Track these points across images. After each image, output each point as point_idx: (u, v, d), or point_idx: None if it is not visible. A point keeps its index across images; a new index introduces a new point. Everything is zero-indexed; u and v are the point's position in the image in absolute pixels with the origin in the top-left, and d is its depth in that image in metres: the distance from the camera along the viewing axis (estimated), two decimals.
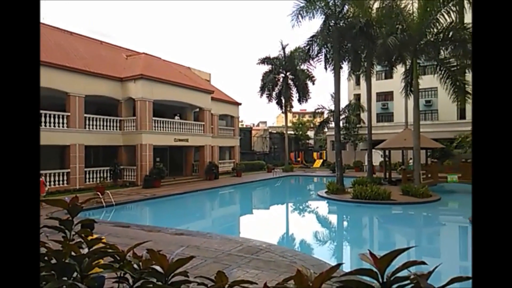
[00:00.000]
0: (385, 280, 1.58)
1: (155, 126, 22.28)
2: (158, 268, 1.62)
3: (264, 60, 36.25)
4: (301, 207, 19.11)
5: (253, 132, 43.76)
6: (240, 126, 38.13)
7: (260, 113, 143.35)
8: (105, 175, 20.61)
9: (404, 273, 1.62)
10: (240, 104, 34.09)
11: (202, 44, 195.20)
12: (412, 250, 8.20)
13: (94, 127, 20.41)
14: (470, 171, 12.85)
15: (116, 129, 21.74)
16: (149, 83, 21.84)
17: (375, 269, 1.60)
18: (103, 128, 20.93)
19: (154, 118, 22.11)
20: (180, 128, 24.23)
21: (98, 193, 15.37)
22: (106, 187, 17.80)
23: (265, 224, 14.49)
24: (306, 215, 17.17)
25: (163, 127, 22.88)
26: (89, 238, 1.88)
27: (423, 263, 1.67)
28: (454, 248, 10.85)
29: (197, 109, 26.86)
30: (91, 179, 19.74)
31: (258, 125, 64.72)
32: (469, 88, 19.55)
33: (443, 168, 22.49)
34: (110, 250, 1.79)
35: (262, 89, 36.68)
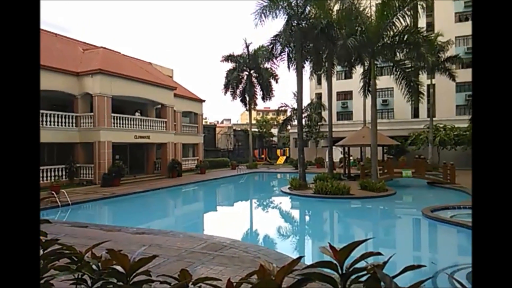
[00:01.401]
0: (344, 271, 1.65)
1: (114, 123, 21.46)
2: (119, 268, 1.58)
3: (228, 58, 36.10)
4: (264, 203, 19.31)
5: (217, 129, 43.49)
6: (204, 123, 37.74)
7: (224, 110, 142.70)
8: (60, 173, 19.56)
9: (362, 264, 1.71)
10: (203, 101, 33.74)
11: (164, 40, 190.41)
12: (369, 242, 8.58)
13: (48, 123, 19.29)
14: (422, 166, 13.72)
15: (72, 126, 20.69)
16: (108, 78, 20.98)
17: (334, 261, 1.66)
18: (58, 125, 19.83)
19: (113, 115, 21.28)
20: (141, 125, 23.53)
21: (53, 192, 14.56)
22: (62, 186, 16.91)
23: (229, 220, 14.50)
24: (269, 210, 17.39)
25: (122, 124, 22.10)
26: (44, 239, 1.79)
27: (379, 253, 1.76)
28: (408, 239, 11.49)
29: (159, 106, 26.21)
30: (45, 178, 18.64)
31: (222, 122, 64.42)
32: (422, 89, 20.72)
33: (398, 164, 23.69)
34: (67, 252, 1.72)
35: (226, 87, 36.52)
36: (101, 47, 25.64)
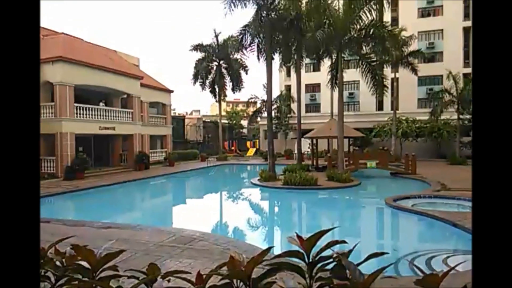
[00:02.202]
0: (311, 260, 1.70)
1: (77, 113, 20.55)
2: (84, 264, 1.54)
3: (197, 47, 35.45)
4: (234, 195, 19.36)
5: (186, 120, 42.81)
6: (172, 114, 37.01)
7: (193, 101, 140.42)
8: None
9: (328, 252, 1.77)
10: (172, 91, 33.02)
11: (130, 28, 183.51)
12: (335, 230, 8.86)
13: None
14: (386, 158, 14.25)
15: None
16: (70, 66, 19.99)
17: (302, 251, 1.71)
18: None
19: (75, 105, 20.36)
20: (105, 116, 22.69)
21: None
22: None
23: (198, 213, 14.42)
24: (239, 202, 17.47)
25: (86, 115, 21.22)
26: None
27: (345, 242, 1.83)
28: (372, 228, 11.99)
29: (125, 96, 25.37)
30: None
31: (191, 113, 63.42)
32: (386, 82, 21.45)
33: (363, 155, 24.49)
34: None
35: (195, 77, 35.94)
36: (62, 33, 24.33)
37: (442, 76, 32.58)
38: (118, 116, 23.77)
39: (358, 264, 1.64)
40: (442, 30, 35.54)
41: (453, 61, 33.80)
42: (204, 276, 1.60)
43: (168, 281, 1.68)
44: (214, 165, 30.10)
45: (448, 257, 7.36)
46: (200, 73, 35.58)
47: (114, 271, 1.62)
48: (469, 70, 34.41)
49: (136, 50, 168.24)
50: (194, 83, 36.28)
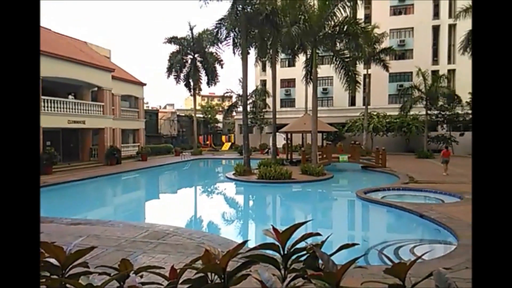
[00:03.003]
0: (286, 252, 1.73)
1: (44, 106, 19.68)
2: (53, 261, 1.49)
3: (171, 40, 34.72)
4: (209, 190, 19.26)
5: (160, 114, 41.99)
6: (145, 108, 36.21)
7: (167, 95, 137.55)
8: None
9: (303, 244, 1.80)
10: (145, 84, 32.25)
11: (101, 19, 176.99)
12: (310, 223, 9.03)
13: None
14: (357, 152, 14.64)
15: None
16: None
17: (277, 243, 1.73)
18: None
19: (43, 97, 19.47)
20: (75, 109, 21.87)
21: None
22: None
23: (172, 208, 14.25)
24: (214, 197, 17.41)
25: (54, 108, 20.37)
26: None
27: (318, 234, 1.87)
28: (344, 220, 12.30)
29: (95, 88, 24.52)
30: None
31: (165, 107, 62.25)
32: (359, 78, 21.94)
33: (336, 149, 25.03)
34: None
35: (170, 70, 35.25)
36: None
37: (412, 73, 33.69)
38: (88, 110, 22.97)
39: (331, 255, 1.68)
40: (412, 28, 36.70)
41: (423, 59, 35.04)
42: (178, 271, 1.58)
43: (141, 276, 1.65)
44: (189, 159, 29.79)
45: (415, 246, 7.69)
46: (175, 66, 34.93)
47: (85, 268, 1.58)
48: (437, 67, 35.83)
49: (108, 42, 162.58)
50: (168, 76, 35.60)
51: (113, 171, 20.91)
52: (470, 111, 28.73)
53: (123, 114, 28.72)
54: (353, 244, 1.94)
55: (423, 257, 6.12)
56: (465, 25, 24.06)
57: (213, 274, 1.61)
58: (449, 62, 36.23)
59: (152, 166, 24.75)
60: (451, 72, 35.42)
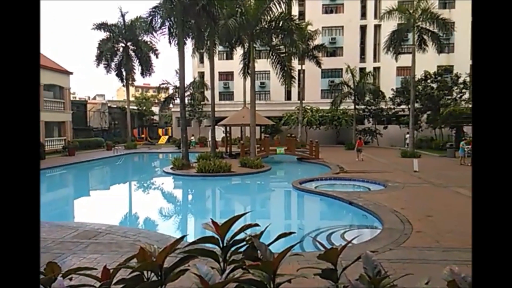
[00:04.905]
0: (225, 244, 1.74)
1: None
2: None
3: (101, 26, 32.42)
4: (145, 185, 18.52)
5: (89, 106, 39.05)
6: (72, 98, 33.45)
7: (97, 85, 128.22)
8: None
9: (242, 235, 1.83)
10: (71, 73, 29.74)
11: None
12: (248, 214, 9.18)
13: None
14: (293, 144, 15.19)
15: None
16: None
17: (216, 236, 1.73)
18: None
19: None
20: None
21: None
22: None
23: (105, 206, 13.45)
24: (150, 192, 16.80)
25: None
26: None
27: (257, 225, 1.91)
28: (281, 209, 12.74)
29: None
30: None
31: (94, 98, 58.01)
32: (294, 73, 22.69)
33: (273, 142, 25.70)
34: None
35: (99, 58, 32.93)
36: None
37: (342, 69, 35.75)
38: None
39: (269, 244, 1.73)
40: (342, 27, 38.84)
41: (351, 56, 37.35)
42: (111, 271, 1.51)
43: (70, 279, 1.54)
44: (122, 154, 28.27)
45: (345, 232, 8.26)
46: (105, 55, 32.72)
47: None
48: (364, 65, 38.49)
49: None
50: (98, 65, 33.25)
51: None
52: (392, 106, 31.50)
53: (46, 105, 26.26)
54: (290, 233, 2.03)
55: (352, 241, 6.60)
56: (389, 26, 26.13)
57: (149, 272, 1.56)
58: (374, 60, 39.12)
59: (81, 161, 23.02)
60: (376, 69, 38.31)
